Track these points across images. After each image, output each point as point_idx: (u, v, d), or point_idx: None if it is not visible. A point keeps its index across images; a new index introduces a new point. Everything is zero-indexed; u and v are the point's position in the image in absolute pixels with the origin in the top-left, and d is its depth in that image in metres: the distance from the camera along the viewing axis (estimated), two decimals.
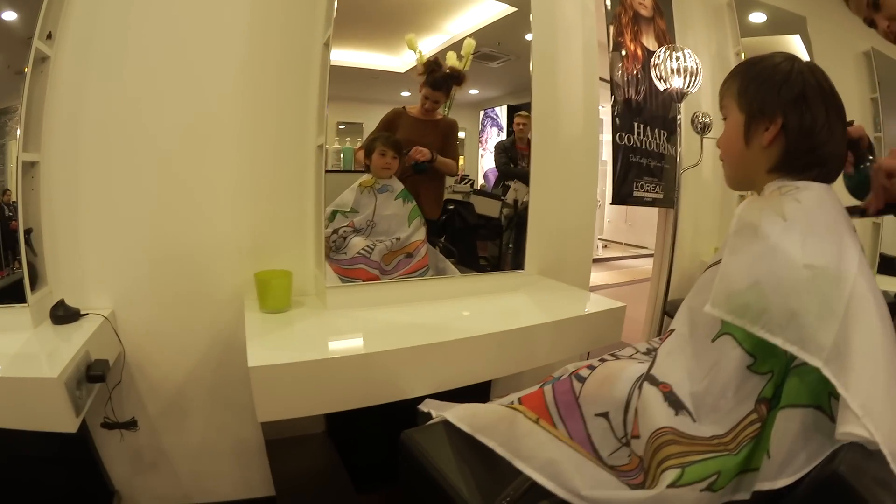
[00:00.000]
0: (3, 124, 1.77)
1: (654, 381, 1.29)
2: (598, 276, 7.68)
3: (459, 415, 1.49)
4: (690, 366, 1.25)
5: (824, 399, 1.05)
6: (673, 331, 1.38)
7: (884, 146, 3.98)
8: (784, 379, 1.11)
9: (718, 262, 1.30)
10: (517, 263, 2.67)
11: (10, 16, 1.77)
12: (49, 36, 1.84)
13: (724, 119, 1.41)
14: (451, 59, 2.41)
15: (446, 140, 2.43)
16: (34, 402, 1.50)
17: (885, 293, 1.14)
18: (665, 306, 3.93)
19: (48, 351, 1.70)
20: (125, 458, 2.24)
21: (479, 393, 1.93)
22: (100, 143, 2.00)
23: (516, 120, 2.72)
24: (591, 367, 1.54)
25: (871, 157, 1.41)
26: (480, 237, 2.76)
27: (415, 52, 2.34)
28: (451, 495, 1.30)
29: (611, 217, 12.21)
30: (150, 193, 2.09)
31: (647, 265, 9.24)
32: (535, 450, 1.30)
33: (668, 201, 3.95)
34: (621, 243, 11.94)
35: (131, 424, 2.13)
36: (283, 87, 2.24)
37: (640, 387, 1.33)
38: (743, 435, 1.10)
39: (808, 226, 1.13)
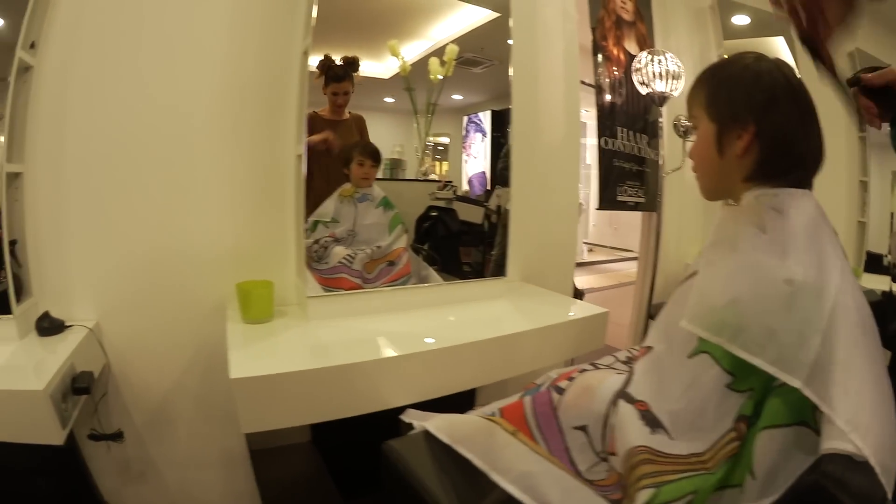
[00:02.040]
0: None
1: (630, 399, 1.29)
2: (583, 280, 7.70)
3: (439, 425, 1.48)
4: (667, 384, 1.25)
5: (808, 414, 1.04)
6: (649, 348, 1.38)
7: (868, 146, 3.98)
8: (765, 397, 1.09)
9: (693, 274, 1.31)
10: (500, 270, 2.66)
11: None
12: (32, 45, 1.84)
13: (695, 129, 1.37)
14: (434, 65, 2.42)
15: (362, 135, 2.41)
16: (20, 415, 1.50)
17: (871, 291, 1.13)
18: (650, 309, 3.94)
19: (34, 363, 1.69)
20: (113, 469, 2.23)
21: (463, 401, 1.93)
22: (83, 154, 1.99)
23: None
24: (571, 379, 1.52)
25: None
26: (464, 243, 2.75)
27: (398, 58, 2.35)
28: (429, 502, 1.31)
29: (596, 220, 12.20)
30: (132, 203, 2.09)
31: (632, 268, 9.25)
32: (511, 462, 1.29)
33: (651, 205, 3.98)
34: (607, 247, 11.96)
35: (117, 436, 2.12)
36: (262, 97, 2.25)
37: (616, 403, 1.32)
38: (721, 453, 1.09)
39: (787, 237, 1.12)
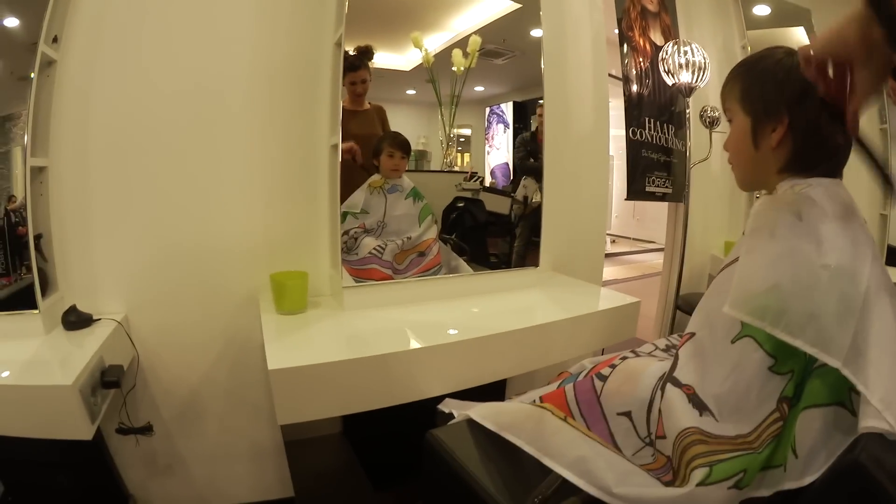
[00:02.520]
0: (7, 131, 1.76)
1: (676, 383, 1.29)
2: (607, 272, 7.65)
3: (484, 413, 1.48)
4: (712, 368, 1.24)
5: (845, 395, 1.06)
6: (692, 334, 1.37)
7: (890, 137, 3.93)
8: (805, 378, 1.12)
9: (733, 262, 1.31)
10: (531, 260, 2.66)
11: (11, 22, 1.76)
12: (55, 40, 1.83)
13: (730, 121, 1.41)
14: (457, 56, 2.40)
15: (383, 126, 2.40)
16: (48, 411, 1.49)
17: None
18: (677, 301, 3.91)
19: (61, 357, 1.68)
20: (140, 462, 2.23)
21: (493, 392, 1.91)
22: (109, 145, 1.99)
23: (539, 111, 2.68)
24: (612, 366, 1.52)
25: None
26: (491, 234, 2.74)
27: (420, 49, 2.33)
28: (479, 493, 1.29)
29: (618, 212, 12.21)
30: (161, 195, 2.08)
31: (655, 260, 9.34)
32: (563, 447, 1.29)
33: (678, 196, 3.95)
34: (630, 238, 11.94)
35: (147, 430, 2.12)
36: (294, 86, 2.23)
37: (663, 388, 1.32)
38: (766, 434, 1.10)
39: (822, 225, 1.13)
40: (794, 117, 1.24)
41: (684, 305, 3.76)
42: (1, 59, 1.75)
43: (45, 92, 1.83)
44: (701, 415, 1.19)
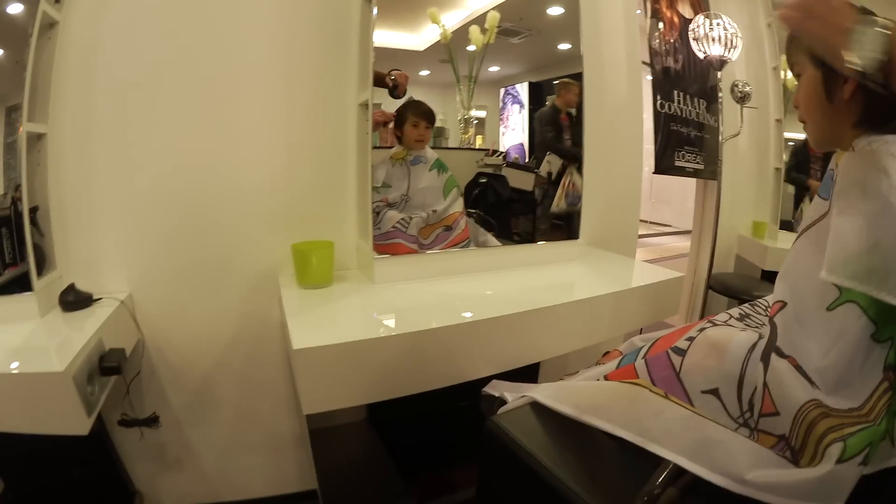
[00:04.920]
0: (13, 121, 1.63)
1: (781, 354, 1.17)
2: None
3: (556, 395, 1.36)
4: (810, 339, 1.16)
5: None
6: (783, 303, 1.26)
7: None
8: None
9: (814, 223, 1.24)
10: (555, 236, 2.60)
11: (15, 8, 1.63)
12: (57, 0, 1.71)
13: (797, 77, 1.32)
14: (475, 33, 2.34)
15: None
16: (38, 402, 1.36)
17: None
18: (709, 281, 3.86)
19: (56, 342, 1.54)
20: (147, 455, 2.12)
21: (524, 378, 1.78)
22: (115, 109, 1.86)
23: (562, 91, 2.63)
24: (690, 338, 1.39)
25: None
26: (514, 211, 2.68)
27: (438, 25, 2.25)
28: (560, 490, 1.14)
29: None
30: (171, 160, 1.95)
31: (673, 243, 9.31)
32: (673, 429, 1.16)
33: (710, 172, 3.90)
34: (647, 221, 11.92)
35: (152, 421, 2.02)
36: (320, 40, 2.10)
37: (765, 360, 1.20)
38: (880, 405, 1.03)
39: None
40: None
41: (716, 285, 3.73)
42: (6, 48, 1.63)
43: (45, 55, 1.71)
44: (812, 388, 1.10)
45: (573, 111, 2.63)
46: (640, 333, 1.78)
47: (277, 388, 2.20)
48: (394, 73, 2.11)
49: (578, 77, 2.58)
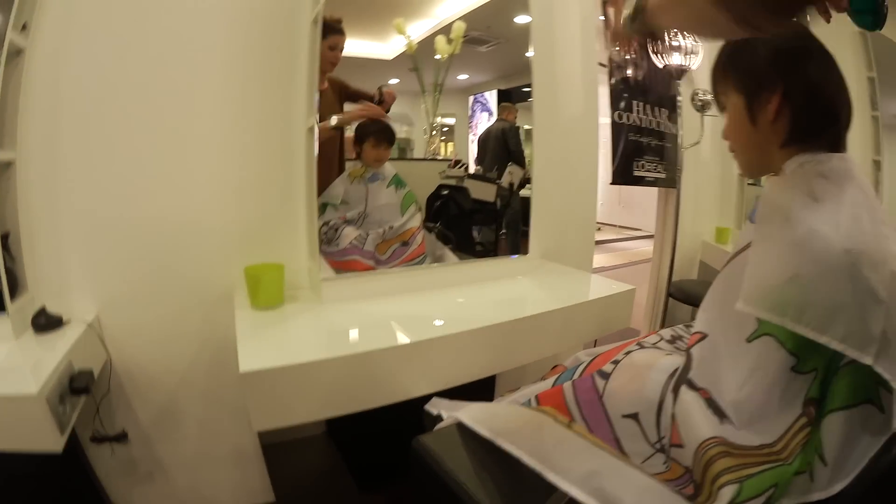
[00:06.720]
0: None
1: (692, 386, 1.21)
2: (594, 260, 7.64)
3: (476, 416, 1.40)
4: (727, 372, 1.17)
5: (873, 391, 1.00)
6: (703, 335, 1.29)
7: (881, 125, 3.95)
8: (828, 376, 1.04)
9: (741, 251, 1.24)
10: (513, 249, 2.63)
11: None
12: (24, 27, 1.73)
13: (723, 110, 1.34)
14: (441, 43, 2.36)
15: (342, 105, 2.33)
16: (13, 422, 1.40)
17: None
18: (669, 288, 3.89)
19: (30, 364, 1.57)
20: (120, 471, 2.15)
21: (482, 388, 1.84)
22: (79, 138, 1.90)
23: (503, 113, 2.74)
24: (615, 362, 1.42)
25: None
26: (476, 223, 2.70)
27: (404, 35, 2.28)
28: None
29: (604, 199, 12.19)
30: (132, 189, 1.99)
31: (642, 247, 9.41)
32: (570, 460, 1.20)
33: (671, 181, 3.91)
34: (615, 226, 11.96)
35: (121, 437, 2.05)
36: (269, 68, 2.14)
37: (676, 391, 1.23)
38: (794, 442, 1.03)
39: (839, 204, 1.05)
40: (788, 81, 1.17)
41: (676, 293, 3.74)
42: None
43: (12, 82, 1.74)
44: (721, 422, 1.11)
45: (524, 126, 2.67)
46: (595, 345, 1.84)
47: (238, 403, 2.21)
48: (384, 89, 2.18)
49: None
